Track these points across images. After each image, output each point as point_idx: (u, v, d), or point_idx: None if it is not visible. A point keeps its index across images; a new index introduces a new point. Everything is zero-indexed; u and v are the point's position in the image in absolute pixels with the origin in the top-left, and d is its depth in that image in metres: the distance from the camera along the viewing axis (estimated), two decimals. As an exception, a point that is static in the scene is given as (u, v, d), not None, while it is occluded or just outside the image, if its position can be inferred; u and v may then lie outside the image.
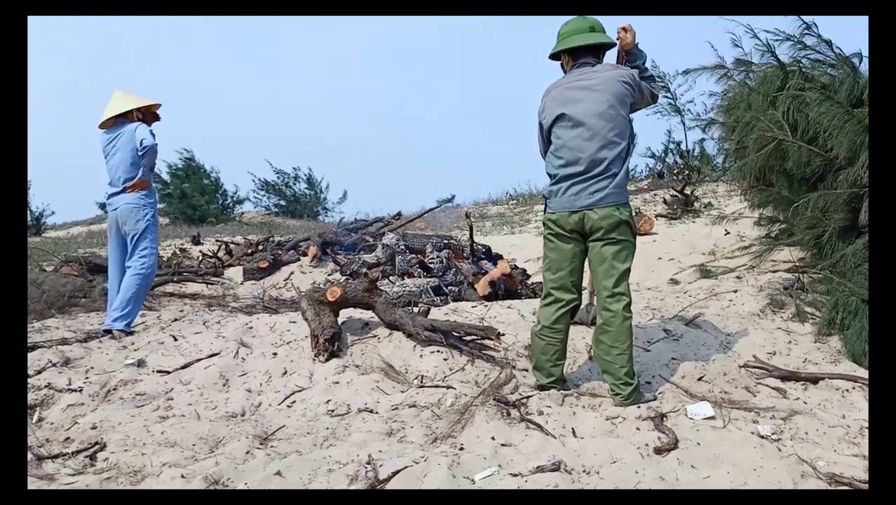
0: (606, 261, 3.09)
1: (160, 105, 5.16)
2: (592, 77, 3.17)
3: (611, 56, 3.36)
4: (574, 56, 3.27)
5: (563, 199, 3.15)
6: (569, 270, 3.21)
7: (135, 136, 4.80)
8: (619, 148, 3.09)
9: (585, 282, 3.67)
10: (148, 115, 5.06)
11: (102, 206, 22.18)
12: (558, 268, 3.23)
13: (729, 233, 7.79)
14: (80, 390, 3.47)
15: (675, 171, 12.75)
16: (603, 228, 3.07)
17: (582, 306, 3.44)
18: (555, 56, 3.35)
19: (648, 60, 3.33)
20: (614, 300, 3.08)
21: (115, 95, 5.05)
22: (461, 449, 2.64)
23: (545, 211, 3.30)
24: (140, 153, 4.78)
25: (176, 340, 4.34)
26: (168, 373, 3.75)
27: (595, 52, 3.26)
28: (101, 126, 5.01)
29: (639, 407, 2.97)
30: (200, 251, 9.69)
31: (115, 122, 4.95)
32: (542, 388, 3.29)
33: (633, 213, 3.27)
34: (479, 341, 3.68)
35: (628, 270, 3.11)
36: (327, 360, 3.70)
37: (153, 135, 4.85)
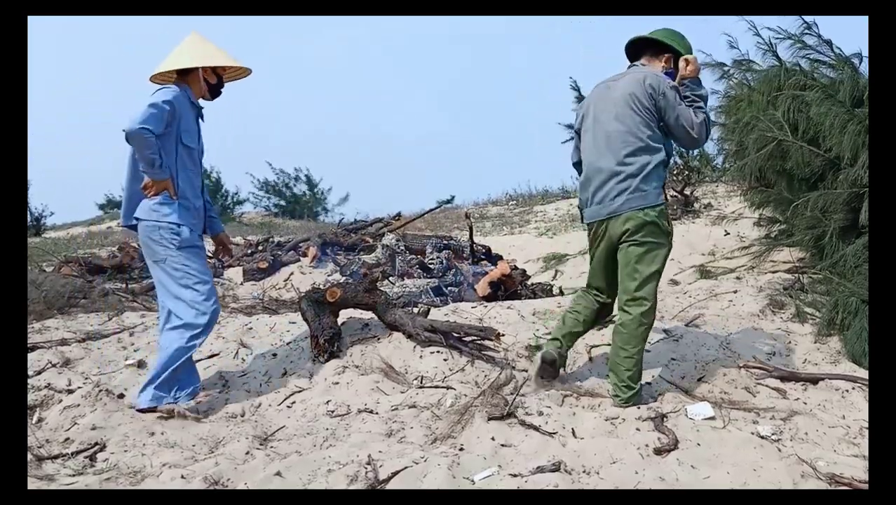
0: (630, 263, 3.05)
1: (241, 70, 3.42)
2: (626, 75, 3.15)
3: None
4: (630, 56, 3.31)
5: (592, 208, 3.19)
6: (601, 273, 3.27)
7: None
8: (635, 148, 3.02)
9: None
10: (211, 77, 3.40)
11: (102, 206, 21.62)
12: (593, 269, 3.32)
13: (729, 233, 7.79)
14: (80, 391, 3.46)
15: (675, 172, 12.73)
16: (629, 231, 3.03)
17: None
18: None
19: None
20: (634, 304, 3.04)
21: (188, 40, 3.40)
22: (461, 449, 2.64)
23: (582, 217, 3.35)
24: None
25: (176, 340, 4.32)
26: (168, 373, 3.74)
27: (654, 54, 3.22)
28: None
29: (639, 407, 2.97)
30: (200, 252, 9.67)
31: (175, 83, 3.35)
32: (537, 348, 3.32)
33: (665, 213, 3.04)
34: (478, 342, 3.68)
35: (655, 273, 3.04)
36: (327, 360, 3.70)
37: (148, 110, 3.08)
